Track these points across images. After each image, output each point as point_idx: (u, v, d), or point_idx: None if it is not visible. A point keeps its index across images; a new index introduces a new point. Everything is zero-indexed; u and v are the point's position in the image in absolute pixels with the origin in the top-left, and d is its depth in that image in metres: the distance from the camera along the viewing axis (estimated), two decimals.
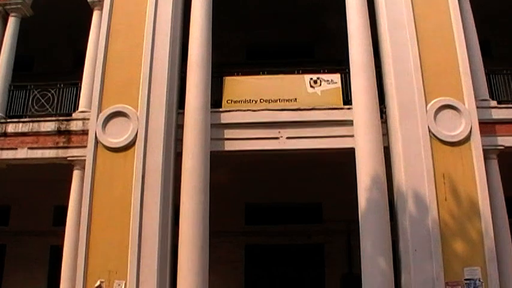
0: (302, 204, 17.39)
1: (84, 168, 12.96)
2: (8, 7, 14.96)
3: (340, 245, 16.90)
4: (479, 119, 12.82)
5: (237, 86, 13.93)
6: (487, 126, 13.04)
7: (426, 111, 12.85)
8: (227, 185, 15.26)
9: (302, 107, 13.40)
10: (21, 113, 14.18)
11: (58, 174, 13.45)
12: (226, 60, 15.96)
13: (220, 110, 13.55)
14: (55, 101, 14.16)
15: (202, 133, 12.83)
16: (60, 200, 13.69)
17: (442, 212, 12.19)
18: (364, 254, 11.93)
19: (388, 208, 12.19)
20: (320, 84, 13.70)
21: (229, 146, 13.30)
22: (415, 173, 12.43)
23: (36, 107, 14.15)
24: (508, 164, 12.93)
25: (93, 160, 12.85)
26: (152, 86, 13.27)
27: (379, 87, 13.22)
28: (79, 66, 14.35)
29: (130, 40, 13.76)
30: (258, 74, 14.11)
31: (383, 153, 12.51)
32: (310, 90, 13.67)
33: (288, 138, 13.19)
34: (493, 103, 13.45)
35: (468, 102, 12.93)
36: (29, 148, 13.55)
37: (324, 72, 13.93)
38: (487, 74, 13.78)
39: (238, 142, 13.26)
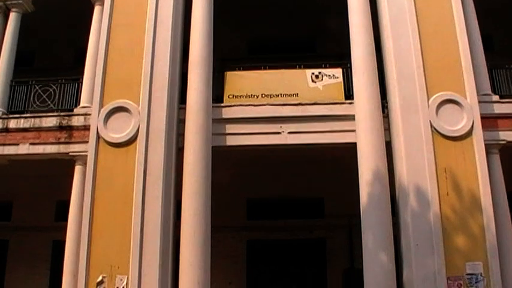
0: (304, 199, 17.38)
1: (85, 163, 12.96)
2: (9, 3, 14.95)
3: (342, 239, 16.91)
4: (481, 114, 12.79)
5: (239, 80, 13.92)
6: (489, 121, 13.02)
7: (428, 105, 12.83)
8: (229, 180, 15.25)
9: (304, 102, 13.39)
10: (22, 109, 14.20)
11: (60, 170, 13.46)
12: (228, 55, 15.91)
13: (222, 105, 13.55)
14: (56, 97, 14.16)
15: (203, 128, 12.83)
16: (62, 195, 13.70)
17: (444, 207, 12.18)
18: (365, 248, 11.96)
19: (389, 203, 12.18)
20: (322, 79, 13.69)
21: (231, 141, 13.30)
22: (416, 168, 12.42)
23: (37, 103, 14.16)
24: (509, 158, 12.95)
25: (94, 155, 12.86)
26: (154, 81, 13.26)
27: (381, 82, 13.20)
28: (80, 62, 14.34)
29: (132, 35, 13.75)
30: (259, 68, 14.10)
31: (385, 148, 12.52)
32: (311, 85, 13.66)
33: (289, 133, 13.19)
34: (495, 98, 13.42)
35: (470, 97, 12.90)
36: (31, 144, 13.57)
37: (325, 67, 13.92)
38: (489, 69, 13.75)
39: (239, 137, 13.26)
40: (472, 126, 12.69)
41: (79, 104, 13.85)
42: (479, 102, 12.94)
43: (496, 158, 12.94)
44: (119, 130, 12.99)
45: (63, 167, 13.36)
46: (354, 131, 12.85)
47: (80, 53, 14.98)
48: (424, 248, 11.92)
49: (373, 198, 12.01)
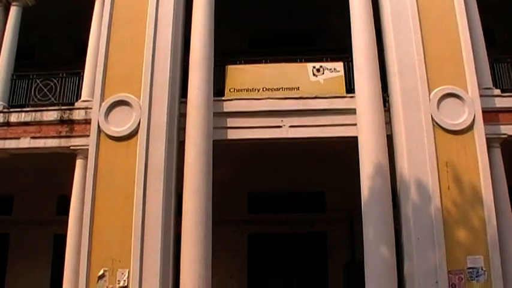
0: (305, 193, 17.38)
1: (87, 157, 12.97)
2: None
3: (343, 233, 16.92)
4: (482, 108, 12.79)
5: (240, 74, 13.90)
6: (491, 115, 13.01)
7: (429, 99, 12.83)
8: (230, 174, 15.26)
9: (305, 96, 13.39)
10: (23, 103, 14.18)
11: (61, 164, 13.46)
12: (229, 49, 15.91)
13: (223, 98, 13.54)
14: (57, 91, 14.14)
15: (205, 122, 12.83)
16: (64, 189, 13.71)
17: (445, 201, 12.19)
18: (367, 242, 11.97)
19: (391, 196, 12.20)
20: (323, 73, 13.67)
21: (232, 134, 13.30)
22: (418, 162, 12.43)
23: (38, 97, 14.14)
24: (510, 152, 12.93)
25: (95, 149, 12.86)
26: (155, 75, 13.26)
27: (382, 76, 13.19)
28: (81, 56, 14.33)
29: (133, 29, 13.73)
30: (260, 62, 14.08)
31: (386, 142, 12.52)
32: (313, 78, 13.65)
33: (290, 126, 13.19)
34: (497, 91, 13.41)
35: (471, 91, 12.90)
36: (32, 137, 13.56)
37: (326, 61, 13.90)
38: (491, 63, 13.73)
39: (241, 131, 13.26)
40: (474, 120, 12.69)
41: (80, 98, 13.83)
42: (481, 96, 12.93)
43: (497, 152, 12.93)
44: (120, 124, 12.99)
45: (64, 161, 13.36)
46: (355, 124, 12.85)
47: (80, 47, 14.97)
48: (425, 241, 11.93)
49: (374, 192, 12.02)
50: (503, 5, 15.84)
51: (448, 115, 12.74)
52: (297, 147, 14.08)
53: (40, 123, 13.61)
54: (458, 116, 12.76)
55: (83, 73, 13.95)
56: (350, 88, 13.44)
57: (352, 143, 12.63)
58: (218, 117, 13.22)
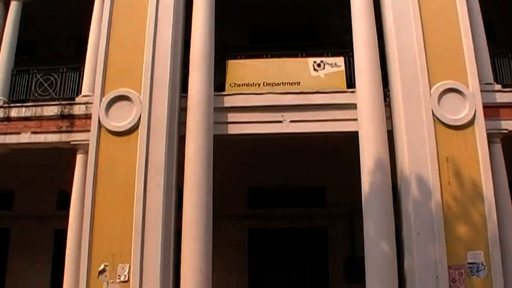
0: (305, 188, 17.36)
1: (87, 152, 12.97)
2: None
3: (343, 228, 16.92)
4: (483, 103, 12.78)
5: (241, 69, 13.89)
6: (491, 110, 13.00)
7: (430, 94, 12.82)
8: (230, 169, 15.25)
9: (305, 91, 13.38)
10: (24, 98, 14.17)
11: (61, 159, 13.45)
12: (230, 44, 15.88)
13: (224, 93, 13.53)
14: (58, 85, 14.13)
15: (205, 116, 12.82)
16: (64, 184, 13.71)
17: (446, 196, 12.19)
18: (367, 237, 11.98)
19: (391, 191, 12.20)
20: (323, 68, 13.66)
21: (233, 129, 13.30)
22: (418, 157, 12.42)
23: (39, 92, 14.14)
24: (511, 147, 12.90)
25: (96, 144, 12.85)
26: (155, 69, 13.24)
27: (383, 71, 13.17)
28: (82, 51, 14.30)
29: (133, 24, 13.71)
30: (261, 57, 14.05)
31: (386, 137, 12.51)
32: (313, 73, 13.64)
33: (291, 121, 13.19)
34: (498, 87, 13.40)
35: (472, 86, 12.89)
36: (32, 132, 13.56)
37: (327, 56, 13.87)
38: (492, 58, 13.69)
39: (241, 126, 13.25)
40: (474, 116, 12.68)
41: (80, 93, 13.81)
42: (482, 91, 12.92)
43: (498, 147, 12.92)
44: (120, 119, 12.98)
45: (65, 156, 13.35)
46: (355, 119, 12.84)
47: (81, 42, 14.91)
48: (425, 236, 11.94)
49: (375, 187, 12.02)
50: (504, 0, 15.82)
51: (449, 110, 12.73)
52: (297, 142, 14.07)
53: (40, 118, 13.61)
54: (459, 111, 12.74)
55: (84, 68, 13.91)
56: (351, 83, 13.43)
57: (352, 137, 12.63)
58: (218, 112, 13.20)
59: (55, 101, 13.82)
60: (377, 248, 11.74)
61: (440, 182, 12.24)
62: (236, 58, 14.07)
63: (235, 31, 17.52)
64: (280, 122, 13.20)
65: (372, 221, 11.95)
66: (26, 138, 13.54)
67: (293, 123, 13.21)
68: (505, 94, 13.28)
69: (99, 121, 13.01)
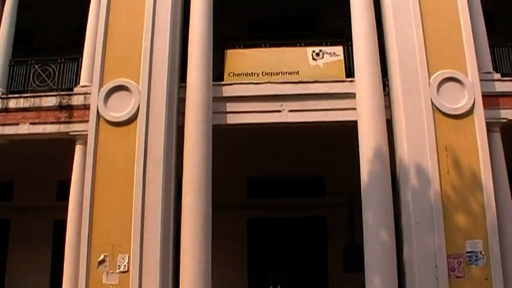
0: (305, 177, 17.40)
1: (86, 142, 12.94)
2: None
3: (343, 217, 16.96)
4: (482, 92, 12.75)
5: (239, 59, 13.86)
6: (491, 99, 12.98)
7: (429, 83, 12.79)
8: (229, 159, 15.25)
9: (304, 80, 13.34)
10: (22, 89, 14.10)
11: (60, 150, 13.43)
12: (228, 33, 15.83)
13: (222, 83, 13.50)
14: (56, 76, 14.08)
15: (204, 106, 12.79)
16: (63, 175, 13.70)
17: (445, 185, 12.20)
18: (366, 226, 12.00)
19: (390, 181, 12.21)
20: (322, 57, 13.63)
21: (232, 119, 13.28)
22: (417, 146, 12.42)
23: (37, 82, 14.08)
24: (510, 137, 12.92)
25: (95, 135, 12.83)
26: (153, 59, 13.19)
27: (382, 60, 13.13)
28: (79, 41, 14.23)
29: (131, 13, 13.63)
30: (260, 46, 14.03)
31: (385, 126, 12.50)
32: (312, 63, 13.60)
33: (290, 111, 13.16)
34: (497, 76, 13.36)
35: (471, 75, 12.85)
36: (31, 123, 13.53)
37: (326, 45, 13.84)
38: (491, 47, 13.64)
39: (240, 115, 13.23)
40: (473, 105, 12.66)
41: (79, 83, 13.77)
42: (481, 80, 12.88)
43: (497, 137, 12.92)
44: (119, 109, 12.94)
45: (64, 146, 13.33)
46: (354, 109, 12.82)
47: (79, 32, 14.83)
48: (424, 226, 11.97)
49: (374, 176, 12.02)
50: None
51: (448, 99, 12.71)
52: (296, 132, 14.07)
53: (39, 109, 13.57)
54: (458, 100, 12.72)
55: (82, 58, 13.86)
56: (350, 72, 13.41)
57: (351, 127, 12.62)
58: (217, 101, 13.17)
59: (53, 91, 13.77)
60: (376, 238, 11.76)
61: (439, 171, 12.25)
62: (235, 47, 14.03)
63: (234, 20, 17.43)
64: (279, 111, 13.17)
65: (371, 211, 11.96)
66: (24, 129, 13.51)
67: (292, 113, 13.18)
68: (505, 83, 13.25)
69: (98, 111, 12.98)
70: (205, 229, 12.10)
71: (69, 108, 13.48)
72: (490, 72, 13.30)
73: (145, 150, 12.60)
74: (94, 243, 12.21)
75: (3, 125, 13.61)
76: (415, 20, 13.18)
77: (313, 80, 13.33)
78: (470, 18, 13.24)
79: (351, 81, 13.19)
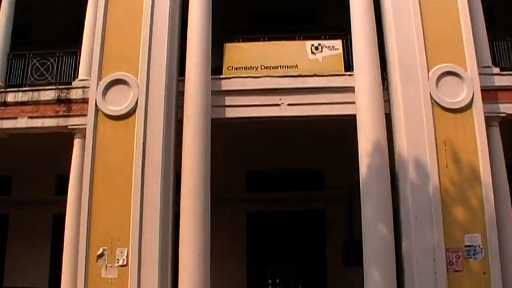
0: (303, 171, 17.41)
1: (84, 136, 12.93)
2: None
3: (342, 211, 16.98)
4: (481, 86, 12.73)
5: (238, 52, 13.83)
6: (490, 93, 12.96)
7: (428, 77, 12.77)
8: (228, 152, 15.25)
9: (303, 74, 13.32)
10: (20, 82, 14.07)
11: (59, 143, 13.41)
12: (227, 27, 15.78)
13: (221, 76, 13.48)
14: (54, 70, 14.04)
15: (203, 100, 12.77)
16: (62, 169, 13.69)
17: (443, 179, 12.20)
18: (365, 220, 12.01)
19: (389, 174, 12.22)
20: (321, 51, 13.60)
21: (230, 113, 13.26)
22: (416, 140, 12.41)
23: (35, 76, 14.03)
24: (509, 131, 12.92)
25: (93, 128, 12.81)
26: (152, 53, 13.16)
27: (381, 54, 13.11)
28: (78, 34, 14.18)
29: (130, 6, 13.60)
30: (259, 40, 13.99)
31: (384, 120, 12.49)
32: (311, 56, 13.58)
33: (289, 105, 13.15)
34: (496, 70, 13.35)
35: (470, 69, 12.83)
36: (29, 117, 13.50)
37: (325, 39, 13.81)
38: (490, 41, 13.62)
39: (239, 109, 13.22)
40: (472, 99, 12.64)
41: (77, 77, 13.74)
42: (480, 74, 12.87)
43: (496, 131, 12.91)
44: (117, 103, 12.92)
45: (62, 140, 13.31)
46: (353, 103, 12.80)
47: (77, 25, 14.79)
48: (423, 220, 11.98)
49: (373, 170, 12.02)
50: None
51: (447, 93, 12.70)
52: (295, 126, 14.06)
53: (37, 102, 13.53)
54: (457, 94, 12.71)
55: (80, 52, 13.82)
56: (349, 66, 13.38)
57: (350, 121, 12.62)
58: (216, 95, 13.15)
59: (52, 85, 13.74)
60: (375, 232, 11.77)
61: (438, 165, 12.25)
62: (234, 41, 13.99)
63: (234, 14, 17.39)
64: (278, 105, 13.16)
65: (369, 205, 11.97)
66: (23, 123, 13.48)
67: (291, 107, 13.17)
68: (504, 77, 13.24)
69: (96, 105, 12.96)
70: (203, 222, 12.11)
71: (68, 102, 13.45)
72: (489, 67, 13.28)
73: (144, 143, 12.59)
74: (93, 237, 12.22)
75: (2, 119, 13.59)
76: (415, 15, 13.16)
77: (312, 74, 13.31)
78: (470, 12, 13.21)
79: (349, 75, 13.16)
